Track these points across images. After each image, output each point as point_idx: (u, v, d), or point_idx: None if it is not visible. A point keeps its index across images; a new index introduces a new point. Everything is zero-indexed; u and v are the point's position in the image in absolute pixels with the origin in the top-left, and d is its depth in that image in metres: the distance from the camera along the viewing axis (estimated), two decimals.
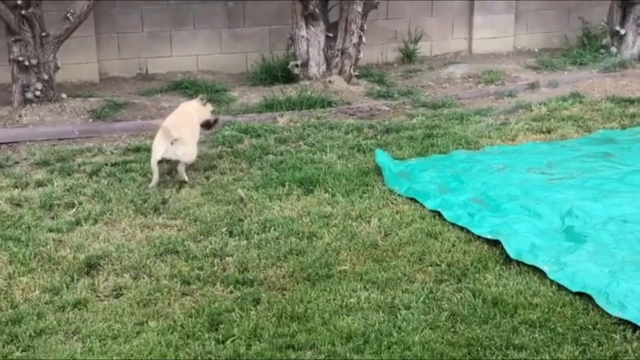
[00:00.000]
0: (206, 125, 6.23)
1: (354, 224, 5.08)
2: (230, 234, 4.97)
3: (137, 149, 6.58)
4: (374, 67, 8.89)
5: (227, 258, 4.65)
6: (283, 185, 5.68)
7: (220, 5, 8.86)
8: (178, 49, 8.84)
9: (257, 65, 8.59)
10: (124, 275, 4.47)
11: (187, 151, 5.77)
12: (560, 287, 4.23)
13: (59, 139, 6.91)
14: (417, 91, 8.29)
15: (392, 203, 5.42)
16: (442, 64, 9.22)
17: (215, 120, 6.36)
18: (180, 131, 5.73)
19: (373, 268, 4.49)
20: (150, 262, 4.61)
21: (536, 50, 9.81)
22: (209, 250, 4.75)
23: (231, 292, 4.28)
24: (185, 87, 8.22)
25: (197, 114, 6.10)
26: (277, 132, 6.95)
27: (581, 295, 4.13)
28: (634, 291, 4.09)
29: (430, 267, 4.50)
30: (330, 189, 5.59)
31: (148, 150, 6.49)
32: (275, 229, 4.99)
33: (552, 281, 4.27)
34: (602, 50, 9.21)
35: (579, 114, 7.36)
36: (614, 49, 9.08)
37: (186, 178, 5.81)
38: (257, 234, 4.95)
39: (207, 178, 5.94)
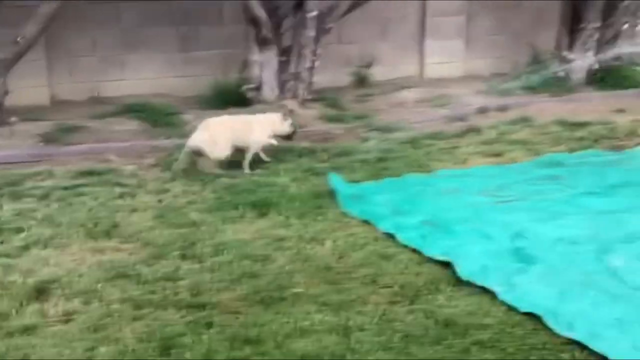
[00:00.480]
0: (286, 137, 6.82)
1: (308, 246, 5.09)
2: (183, 257, 4.94)
3: (88, 173, 6.53)
4: (328, 91, 8.96)
5: (180, 282, 4.62)
6: (236, 209, 5.68)
7: (172, 29, 8.86)
8: (131, 73, 8.81)
9: (211, 88, 8.58)
10: (74, 300, 4.42)
11: (213, 149, 6.36)
12: (511, 307, 4.26)
13: (9, 163, 6.83)
14: (371, 115, 8.35)
15: (346, 225, 5.44)
16: (395, 88, 9.30)
17: (294, 132, 6.88)
18: (216, 130, 6.35)
19: (327, 290, 4.49)
20: (101, 286, 4.56)
21: (486, 74, 9.94)
22: (161, 274, 4.71)
23: (183, 316, 4.24)
24: (138, 111, 8.18)
25: (259, 126, 6.67)
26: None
27: (531, 315, 4.18)
28: (582, 311, 4.15)
29: (383, 289, 4.51)
30: (284, 212, 5.60)
31: (100, 173, 6.45)
32: (228, 252, 4.98)
33: (502, 302, 4.31)
34: (550, 75, 9.35)
35: (528, 137, 7.48)
36: (562, 74, 9.24)
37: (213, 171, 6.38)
38: (210, 257, 4.93)
39: (160, 201, 5.92)
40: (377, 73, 9.53)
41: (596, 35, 9.12)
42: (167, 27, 8.82)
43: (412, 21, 9.71)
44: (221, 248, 5.04)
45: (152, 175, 6.50)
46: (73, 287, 4.55)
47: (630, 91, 8.97)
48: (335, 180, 6.11)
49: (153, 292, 4.48)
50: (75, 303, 4.38)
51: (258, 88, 8.31)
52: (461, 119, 8.18)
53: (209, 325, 4.14)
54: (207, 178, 6.36)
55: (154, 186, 6.20)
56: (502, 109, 8.48)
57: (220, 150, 6.48)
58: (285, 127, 6.80)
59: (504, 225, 5.28)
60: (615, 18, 9.14)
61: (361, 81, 9.43)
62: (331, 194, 5.95)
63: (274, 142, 6.77)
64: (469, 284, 4.54)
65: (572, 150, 7.11)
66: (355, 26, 9.32)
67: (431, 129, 7.82)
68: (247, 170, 6.59)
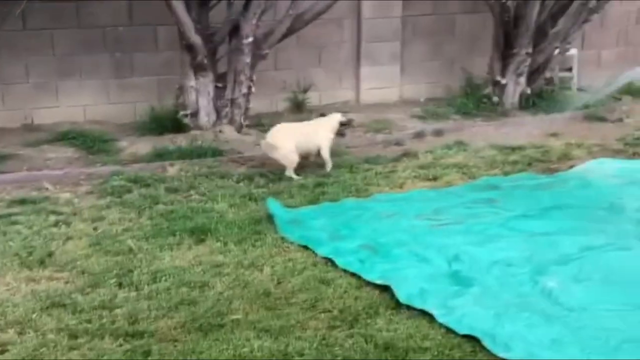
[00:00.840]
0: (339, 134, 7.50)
1: (247, 272, 5.07)
2: (120, 285, 4.88)
3: (22, 201, 6.41)
4: (265, 116, 8.96)
5: (116, 310, 4.56)
6: (174, 235, 5.64)
7: (107, 56, 8.78)
8: (65, 100, 8.70)
9: (147, 115, 8.52)
10: (9, 330, 4.33)
11: (279, 153, 7.10)
12: (449, 330, 4.31)
13: None
14: None
15: (285, 251, 5.44)
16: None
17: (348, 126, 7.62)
18: (276, 137, 7.14)
19: (266, 316, 4.48)
20: (36, 316, 4.48)
21: (422, 100, 10.05)
22: (97, 302, 4.65)
23: (120, 345, 4.19)
24: (73, 138, 8.07)
25: (322, 127, 7.40)
26: (167, 182, 6.90)
27: (469, 337, 4.22)
28: (518, 332, 4.22)
29: (322, 314, 4.52)
30: (222, 238, 5.58)
31: (34, 201, 6.35)
32: (166, 280, 4.94)
33: (440, 324, 4.36)
34: (484, 100, 9.50)
35: (463, 161, 7.58)
36: (495, 98, 9.39)
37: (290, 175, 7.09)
38: (148, 284, 4.88)
39: (95, 229, 5.84)
40: (314, 98, 9.57)
41: (528, 61, 9.29)
42: (101, 53, 8.74)
43: (347, 47, 9.79)
44: (158, 275, 4.99)
45: (87, 202, 6.42)
46: (7, 317, 4.46)
47: (563, 115, 9.14)
48: (273, 206, 6.11)
49: (89, 321, 4.42)
50: (10, 333, 4.30)
51: (194, 114, 8.28)
52: (398, 143, 8.25)
53: (147, 353, 4.09)
54: (144, 205, 6.31)
55: (89, 214, 6.12)
56: (438, 133, 8.58)
57: (288, 155, 7.11)
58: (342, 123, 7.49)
59: (441, 248, 5.34)
60: (545, 44, 9.33)
61: (298, 107, 9.46)
62: (269, 220, 5.94)
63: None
64: (407, 307, 4.57)
65: (506, 174, 7.22)
66: (291, 52, 9.37)
67: (368, 153, 7.87)
68: (329, 167, 7.30)
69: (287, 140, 7.16)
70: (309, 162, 7.38)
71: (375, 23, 9.71)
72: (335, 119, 7.48)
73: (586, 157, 7.64)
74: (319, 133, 7.37)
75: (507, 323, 4.33)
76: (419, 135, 8.55)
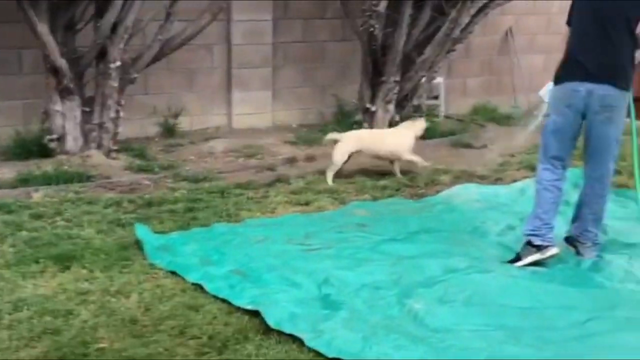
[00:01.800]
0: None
1: (113, 299, 4.96)
2: None
3: None
4: (135, 141, 8.84)
5: None
6: (37, 263, 5.46)
7: None
8: None
9: (11, 139, 8.26)
10: None
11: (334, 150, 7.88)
12: (319, 353, 4.32)
13: None
14: (179, 165, 8.29)
15: (153, 277, 5.35)
16: (204, 139, 9.31)
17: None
18: (342, 136, 7.94)
19: (133, 344, 4.39)
20: None
21: (294, 125, 10.13)
22: None
23: None
24: None
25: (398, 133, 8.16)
26: (31, 208, 6.69)
27: None
28: (386, 354, 4.27)
29: (191, 340, 4.46)
30: (88, 265, 5.44)
31: None
32: (28, 308, 4.77)
33: (310, 348, 4.37)
34: (355, 126, 9.62)
35: (334, 187, 7.66)
36: (366, 125, 9.54)
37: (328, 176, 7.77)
38: (9, 314, 4.70)
39: None
40: (185, 123, 9.51)
41: (396, 89, 9.49)
42: None
43: (218, 72, 9.78)
44: (20, 304, 4.82)
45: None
46: None
47: (430, 141, 9.37)
48: (142, 232, 6.01)
49: None
50: None
51: (60, 139, 8.09)
52: (270, 168, 8.27)
53: None
54: (7, 232, 6.10)
55: None
56: (310, 158, 8.64)
57: (337, 154, 7.79)
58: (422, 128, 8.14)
59: (311, 272, 5.36)
60: (413, 72, 9.56)
61: (169, 131, 9.37)
62: (138, 246, 5.84)
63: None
64: (278, 332, 4.57)
65: (375, 199, 7.34)
66: (162, 77, 9.29)
67: (240, 178, 7.86)
68: (421, 165, 8.02)
69: (348, 143, 7.84)
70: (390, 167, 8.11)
71: (246, 49, 9.75)
72: (419, 125, 8.14)
73: (452, 183, 7.84)
74: (395, 139, 8.00)
75: (375, 345, 4.38)
76: (291, 160, 8.60)
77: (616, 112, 5.58)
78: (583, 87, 5.51)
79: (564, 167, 5.74)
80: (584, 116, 5.60)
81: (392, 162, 8.12)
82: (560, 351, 4.44)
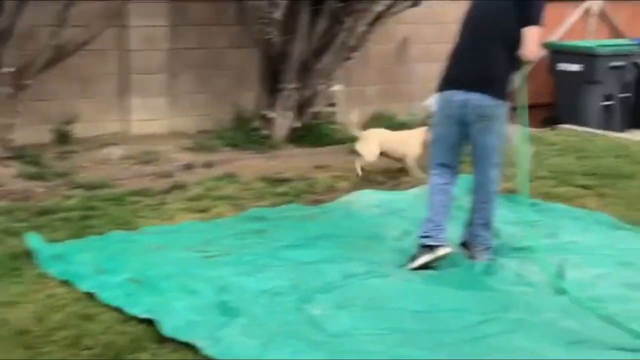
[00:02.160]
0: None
1: (4, 310, 4.82)
2: None
3: None
4: (28, 148, 8.61)
5: None
6: None
7: None
8: None
9: None
10: None
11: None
12: None
13: None
14: (74, 172, 8.10)
15: (46, 287, 5.22)
16: (100, 145, 9.12)
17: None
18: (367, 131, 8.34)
19: (23, 355, 4.28)
20: None
21: (192, 132, 10.04)
22: None
23: None
24: None
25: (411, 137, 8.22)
26: None
27: None
28: None
29: (85, 351, 4.38)
30: None
31: None
32: None
33: (207, 356, 4.34)
34: (254, 133, 9.62)
35: (233, 193, 7.63)
36: (265, 132, 9.54)
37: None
38: None
39: None
40: (80, 130, 9.30)
41: (295, 96, 9.52)
42: None
43: (114, 78, 9.61)
44: None
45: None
46: None
47: (329, 148, 9.44)
48: (34, 240, 5.86)
49: None
50: None
51: None
52: (167, 175, 8.17)
53: None
54: None
55: None
56: (208, 165, 8.58)
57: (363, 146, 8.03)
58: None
59: (209, 279, 5.34)
60: (311, 80, 9.60)
61: (63, 138, 9.16)
62: (30, 255, 5.69)
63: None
64: (174, 340, 4.52)
65: (274, 205, 7.34)
66: (56, 83, 9.06)
67: (137, 185, 7.74)
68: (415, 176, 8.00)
69: (375, 142, 8.15)
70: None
71: (142, 55, 9.62)
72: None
73: (350, 189, 7.91)
74: (408, 142, 8.08)
75: (274, 351, 4.39)
76: (190, 167, 8.52)
77: (493, 122, 5.76)
78: (458, 97, 5.73)
79: (453, 173, 5.92)
80: (465, 125, 5.76)
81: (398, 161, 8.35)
82: (453, 353, 4.54)
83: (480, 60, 5.74)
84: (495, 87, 5.78)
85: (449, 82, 5.85)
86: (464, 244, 6.12)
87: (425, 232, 5.84)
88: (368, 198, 7.52)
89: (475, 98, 5.70)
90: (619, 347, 4.70)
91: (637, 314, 5.13)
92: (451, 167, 5.91)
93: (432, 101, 6.15)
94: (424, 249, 5.81)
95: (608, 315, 5.06)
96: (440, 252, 5.81)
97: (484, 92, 5.71)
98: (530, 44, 5.69)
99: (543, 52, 11.72)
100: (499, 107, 5.80)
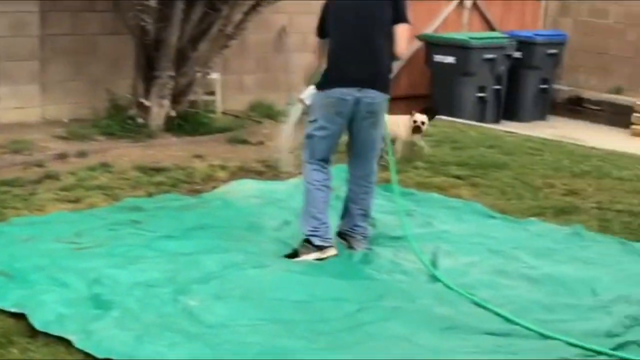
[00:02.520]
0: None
1: None
2: None
3: None
4: None
5: None
6: None
7: None
8: None
9: None
10: None
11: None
12: (88, 355, 4.20)
13: None
14: None
15: None
16: None
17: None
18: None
19: None
20: None
21: (66, 120, 9.76)
22: None
23: None
24: None
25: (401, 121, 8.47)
26: None
27: None
28: (159, 352, 4.22)
29: None
30: None
31: None
32: None
33: (79, 350, 4.23)
34: (129, 121, 9.41)
35: (107, 183, 7.45)
36: (140, 120, 9.36)
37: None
38: None
39: None
40: None
41: (171, 84, 9.36)
42: None
43: None
44: None
45: None
46: None
47: (206, 137, 9.34)
48: None
49: None
50: None
51: None
52: (38, 164, 7.91)
53: None
54: None
55: None
56: (82, 154, 8.36)
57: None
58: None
59: (82, 272, 5.19)
60: (187, 68, 9.47)
61: None
62: None
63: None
64: (45, 334, 4.39)
65: (150, 195, 7.21)
66: None
67: (6, 175, 7.46)
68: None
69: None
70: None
71: (11, 41, 9.28)
72: (413, 117, 8.58)
73: (229, 179, 7.85)
74: (399, 125, 8.43)
75: (148, 344, 4.30)
76: (62, 156, 8.28)
77: (380, 116, 5.89)
78: (351, 95, 5.71)
79: (330, 166, 5.94)
80: (351, 120, 5.79)
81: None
82: (332, 342, 4.56)
83: (370, 57, 5.76)
84: (384, 82, 5.88)
85: (339, 79, 5.76)
86: (340, 234, 6.15)
87: (311, 230, 5.81)
88: (247, 188, 7.48)
89: (368, 95, 5.73)
90: (491, 332, 4.83)
91: (506, 300, 5.29)
92: (330, 162, 5.94)
93: (307, 95, 6.05)
94: (311, 247, 5.79)
95: (480, 301, 5.19)
96: (329, 253, 5.80)
97: (376, 88, 5.77)
98: (401, 41, 5.83)
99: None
100: (386, 101, 5.89)
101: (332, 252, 5.83)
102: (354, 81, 5.73)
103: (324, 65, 5.95)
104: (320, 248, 5.79)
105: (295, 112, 6.24)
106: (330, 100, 5.77)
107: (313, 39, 6.22)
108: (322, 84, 5.85)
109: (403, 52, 5.96)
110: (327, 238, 5.83)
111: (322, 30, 5.96)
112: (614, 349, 4.61)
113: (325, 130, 5.83)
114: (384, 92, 5.84)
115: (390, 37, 5.79)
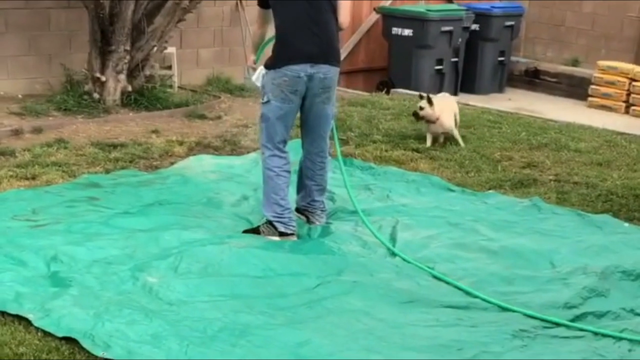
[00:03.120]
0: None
1: None
2: None
3: None
4: None
5: None
6: None
7: None
8: None
9: None
10: None
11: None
12: (47, 333, 4.17)
13: None
14: None
15: None
16: None
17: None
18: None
19: None
20: None
21: (20, 96, 9.62)
22: None
23: None
24: None
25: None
26: None
27: (68, 339, 4.12)
28: (118, 330, 4.19)
29: None
30: None
31: None
32: None
33: (38, 328, 4.20)
34: (85, 97, 9.30)
35: (64, 159, 7.36)
36: (96, 95, 9.24)
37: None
38: None
39: None
40: None
41: (127, 58, 9.25)
42: None
43: None
44: None
45: None
46: None
47: (164, 112, 9.25)
48: None
49: None
50: None
51: None
52: None
53: None
54: None
55: None
56: (37, 131, 8.25)
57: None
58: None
59: (39, 249, 5.15)
60: (143, 42, 9.36)
61: None
62: None
63: None
64: (3, 313, 4.35)
65: (108, 171, 7.14)
66: None
67: None
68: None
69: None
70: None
71: None
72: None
73: (186, 154, 7.80)
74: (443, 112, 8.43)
75: (108, 322, 4.28)
76: (17, 132, 8.16)
77: (333, 91, 5.87)
78: (304, 72, 5.65)
79: (286, 146, 5.87)
80: (305, 98, 5.75)
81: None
82: (291, 317, 4.58)
83: (321, 31, 5.70)
84: (336, 56, 5.85)
85: (290, 56, 5.66)
86: (299, 210, 6.15)
87: (275, 216, 5.76)
88: (205, 163, 7.44)
89: (322, 71, 5.69)
90: (451, 305, 4.87)
91: (465, 273, 5.33)
92: (287, 142, 5.87)
93: (258, 76, 5.93)
94: (273, 230, 5.76)
95: (439, 274, 5.23)
96: (290, 239, 5.79)
97: (328, 62, 5.73)
98: (345, 11, 5.84)
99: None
100: (337, 75, 5.87)
101: (293, 239, 5.81)
102: (306, 57, 5.66)
103: (266, 33, 5.92)
104: (283, 235, 5.76)
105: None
106: (283, 79, 5.66)
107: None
108: (272, 63, 5.73)
109: (347, 24, 5.92)
110: (290, 225, 5.79)
111: (265, 1, 5.87)
112: (572, 320, 4.68)
113: (280, 110, 5.73)
114: (336, 65, 5.81)
115: (335, 10, 5.77)
